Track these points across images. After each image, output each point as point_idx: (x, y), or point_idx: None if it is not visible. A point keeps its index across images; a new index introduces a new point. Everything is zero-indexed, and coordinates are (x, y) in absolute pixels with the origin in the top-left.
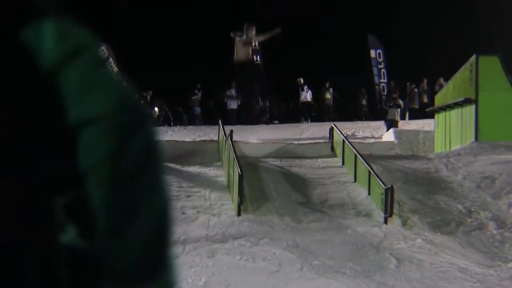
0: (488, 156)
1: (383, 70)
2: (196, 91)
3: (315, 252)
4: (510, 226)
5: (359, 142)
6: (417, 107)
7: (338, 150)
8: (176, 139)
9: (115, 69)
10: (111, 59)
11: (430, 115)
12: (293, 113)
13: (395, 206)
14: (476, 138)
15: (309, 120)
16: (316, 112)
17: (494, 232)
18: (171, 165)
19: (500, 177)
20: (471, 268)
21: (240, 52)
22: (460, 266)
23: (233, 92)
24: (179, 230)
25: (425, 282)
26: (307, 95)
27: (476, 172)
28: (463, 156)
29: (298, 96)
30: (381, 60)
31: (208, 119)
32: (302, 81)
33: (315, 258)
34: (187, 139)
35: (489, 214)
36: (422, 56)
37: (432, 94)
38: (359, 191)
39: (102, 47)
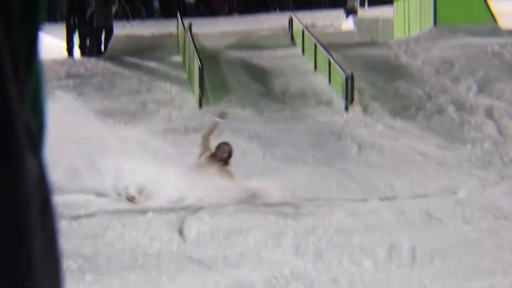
0: (447, 40)
1: None
2: None
3: (277, 141)
4: (469, 108)
5: (319, 32)
6: None
7: (298, 40)
8: (134, 34)
9: None
10: None
11: (389, 2)
12: (254, 5)
13: (356, 93)
14: (435, 22)
15: (278, 10)
16: (276, 3)
17: (453, 115)
18: (131, 59)
19: (458, 61)
20: (431, 151)
21: None
22: (420, 150)
23: None
24: (141, 124)
25: (386, 167)
26: None
27: (435, 57)
28: (422, 42)
29: None
30: None
31: (166, 13)
32: None
33: (277, 148)
34: (146, 33)
35: (448, 97)
36: None
37: None
38: (320, 80)
39: None
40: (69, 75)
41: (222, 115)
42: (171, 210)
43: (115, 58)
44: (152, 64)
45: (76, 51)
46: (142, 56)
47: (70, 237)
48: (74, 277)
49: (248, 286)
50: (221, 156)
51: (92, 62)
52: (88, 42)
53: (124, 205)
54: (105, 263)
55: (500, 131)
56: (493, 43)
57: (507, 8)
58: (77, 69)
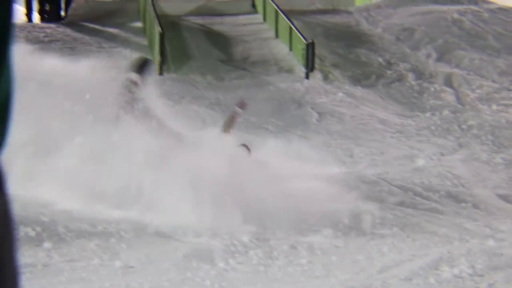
0: (407, 7)
1: None
2: None
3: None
4: (428, 76)
5: None
6: None
7: (259, 7)
8: None
9: None
10: None
11: None
12: None
13: (316, 61)
14: None
15: None
16: None
17: (413, 83)
18: (91, 25)
19: (419, 29)
20: (391, 119)
21: None
22: (380, 118)
23: None
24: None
25: (346, 135)
26: None
27: (396, 24)
28: (383, 9)
29: None
30: None
31: None
32: None
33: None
34: None
35: (408, 65)
36: None
37: None
38: (281, 47)
39: None
40: (28, 41)
41: (243, 105)
42: None
43: (75, 24)
44: (112, 30)
45: (35, 16)
46: (103, 22)
47: (27, 205)
48: (32, 245)
49: (207, 254)
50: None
51: (52, 28)
52: (47, 7)
53: None
54: (64, 230)
55: (459, 99)
56: (453, 10)
57: None
58: (37, 35)
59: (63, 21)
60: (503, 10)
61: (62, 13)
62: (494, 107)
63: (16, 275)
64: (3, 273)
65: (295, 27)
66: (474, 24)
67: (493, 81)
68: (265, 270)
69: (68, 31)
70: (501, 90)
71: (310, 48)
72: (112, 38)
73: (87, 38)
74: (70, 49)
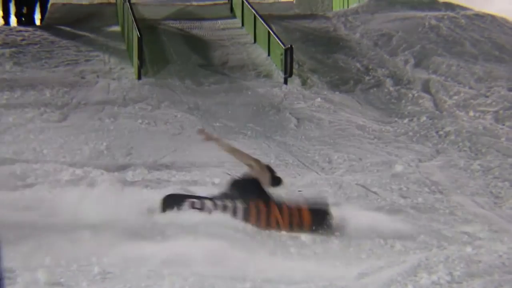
0: (385, 13)
1: None
2: None
3: (216, 114)
4: (406, 82)
5: (258, 3)
6: None
7: (238, 11)
8: (72, 2)
9: None
10: None
11: None
12: None
13: (295, 66)
14: None
15: None
16: None
17: (391, 89)
18: (68, 29)
19: (397, 34)
20: (369, 125)
21: None
22: (358, 124)
23: None
24: (79, 95)
25: (324, 140)
26: None
27: (374, 29)
28: (361, 14)
29: None
30: None
31: None
32: None
33: (217, 120)
34: (84, 2)
35: (386, 71)
36: None
37: None
38: (259, 52)
39: None
40: (5, 44)
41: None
42: (110, 182)
43: (52, 27)
44: (90, 34)
45: (13, 19)
46: (80, 26)
47: (6, 209)
48: (10, 249)
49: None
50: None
51: (29, 31)
52: (24, 10)
53: (63, 175)
54: (44, 233)
55: (436, 105)
56: (430, 16)
57: None
58: (14, 38)
59: (40, 24)
60: (480, 16)
61: (37, 16)
62: (472, 113)
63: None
64: None
65: (273, 32)
66: (451, 30)
67: (470, 88)
68: (243, 275)
69: (46, 34)
70: (478, 96)
71: (288, 53)
72: (90, 42)
73: (64, 41)
74: (47, 52)
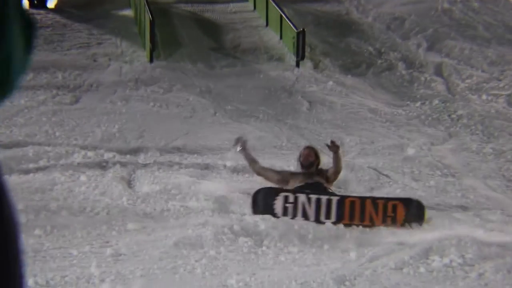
0: None
1: None
2: None
3: (228, 97)
4: (418, 66)
5: None
6: None
7: None
8: None
9: None
10: None
11: None
12: None
13: (307, 49)
14: None
15: None
16: None
17: (403, 72)
18: (80, 12)
19: (409, 18)
20: (381, 108)
21: None
22: (370, 107)
23: None
24: (91, 78)
25: (336, 123)
26: None
27: (386, 13)
28: None
29: None
30: None
31: None
32: None
33: (228, 103)
34: None
35: (399, 55)
36: None
37: None
38: (271, 36)
39: None
40: None
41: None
42: (122, 164)
43: (64, 11)
44: (102, 17)
45: (25, 2)
46: (93, 9)
47: (19, 191)
48: (23, 232)
49: (197, 241)
50: (306, 162)
51: (42, 14)
52: None
53: (75, 157)
54: (55, 217)
55: (448, 89)
56: (443, 0)
57: None
58: None
59: (53, 8)
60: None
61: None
62: (484, 97)
63: (21, 271)
64: (10, 270)
65: (285, 15)
66: (464, 14)
67: (483, 71)
68: (256, 258)
69: (58, 17)
70: (491, 80)
71: (300, 36)
72: (102, 25)
73: (76, 25)
74: (59, 35)
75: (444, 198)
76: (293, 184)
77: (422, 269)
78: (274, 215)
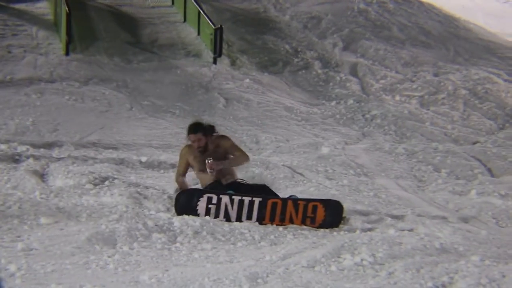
0: None
1: None
2: None
3: (144, 92)
4: (334, 65)
5: None
6: None
7: None
8: None
9: None
10: None
11: None
12: None
13: (224, 46)
14: None
15: None
16: None
17: (319, 71)
18: None
19: (326, 17)
20: (297, 107)
21: None
22: (286, 105)
23: None
24: (5, 70)
25: (252, 121)
26: None
27: (303, 12)
28: None
29: None
30: None
31: None
32: None
33: (145, 98)
34: None
35: (315, 54)
36: None
37: None
38: (189, 31)
39: None
40: None
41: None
42: (35, 158)
43: None
44: (17, 8)
45: None
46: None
47: None
48: None
49: (111, 236)
50: (200, 148)
51: None
52: None
53: None
54: None
55: (363, 89)
56: (359, 0)
57: None
58: None
59: None
60: (408, 1)
61: None
62: (397, 97)
63: None
64: None
65: (203, 11)
66: (380, 15)
67: (397, 72)
68: (169, 254)
69: None
70: (404, 81)
71: (218, 33)
72: (17, 16)
73: None
74: None
75: (357, 197)
76: (197, 164)
77: (333, 268)
78: (197, 216)
